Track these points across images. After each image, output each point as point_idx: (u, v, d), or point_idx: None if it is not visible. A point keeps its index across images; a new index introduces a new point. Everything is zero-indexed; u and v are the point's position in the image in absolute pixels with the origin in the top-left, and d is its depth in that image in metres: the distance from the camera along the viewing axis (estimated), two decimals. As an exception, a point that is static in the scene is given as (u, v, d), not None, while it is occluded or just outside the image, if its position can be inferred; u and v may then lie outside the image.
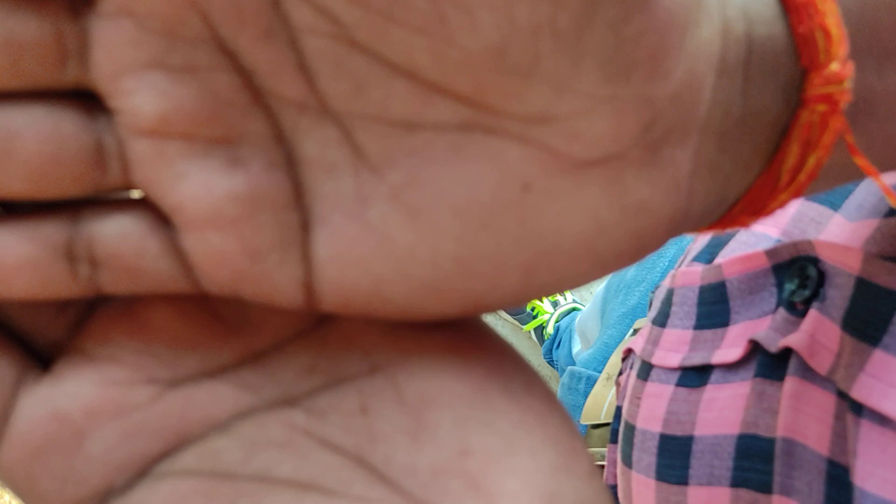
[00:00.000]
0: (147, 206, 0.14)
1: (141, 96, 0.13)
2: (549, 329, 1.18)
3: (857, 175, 0.19)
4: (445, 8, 0.12)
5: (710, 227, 0.18)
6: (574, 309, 1.19)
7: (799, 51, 0.16)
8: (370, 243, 0.14)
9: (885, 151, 0.18)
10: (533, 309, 1.21)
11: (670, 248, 0.56)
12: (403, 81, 0.13)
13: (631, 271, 0.59)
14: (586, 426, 0.48)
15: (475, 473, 0.14)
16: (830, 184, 0.19)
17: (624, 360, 0.38)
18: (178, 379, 0.15)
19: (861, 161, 0.17)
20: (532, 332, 1.23)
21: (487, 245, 0.14)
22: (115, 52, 0.13)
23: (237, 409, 0.15)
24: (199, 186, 0.13)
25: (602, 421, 0.44)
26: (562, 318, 1.18)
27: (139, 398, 0.14)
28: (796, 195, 0.17)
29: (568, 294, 1.22)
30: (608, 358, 0.51)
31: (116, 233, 0.14)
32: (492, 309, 0.15)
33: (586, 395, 0.51)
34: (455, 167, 0.14)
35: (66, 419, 0.14)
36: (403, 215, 0.14)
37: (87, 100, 0.13)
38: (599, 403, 0.45)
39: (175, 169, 0.13)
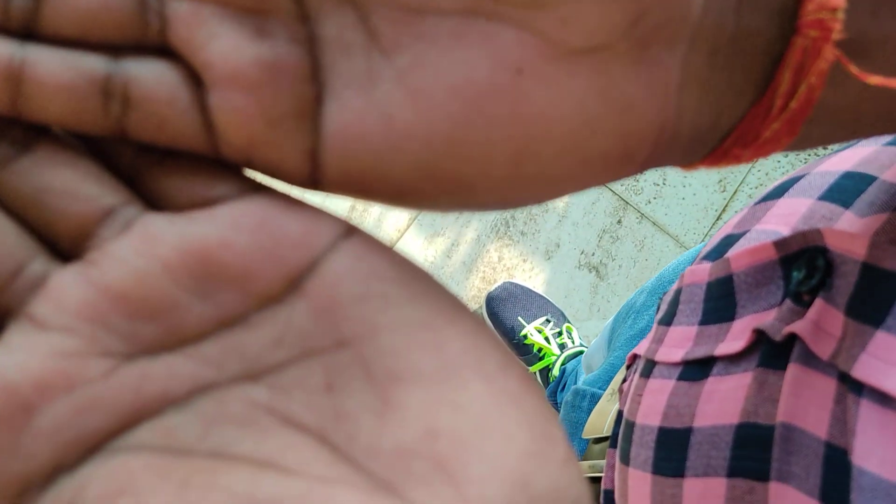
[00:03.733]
0: (181, 63, 0.15)
1: None
2: (555, 371, 1.17)
3: (853, 123, 0.19)
4: None
5: (702, 160, 0.19)
6: (580, 353, 1.18)
7: None
8: (374, 119, 0.15)
9: (877, 100, 0.18)
10: (540, 350, 1.20)
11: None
12: None
13: (641, 299, 0.59)
14: (587, 441, 0.48)
15: (442, 456, 0.13)
16: (827, 132, 0.19)
17: (629, 367, 0.38)
18: (134, 352, 0.14)
19: (876, 79, 0.17)
20: (538, 374, 1.22)
21: (479, 126, 0.15)
22: None
23: (196, 385, 0.14)
24: (228, 47, 0.14)
25: (604, 434, 0.44)
26: (568, 361, 1.17)
27: (92, 371, 0.14)
28: (790, 128, 0.18)
29: (575, 337, 1.21)
30: (614, 377, 0.51)
31: (153, 76, 0.15)
32: (481, 199, 0.16)
33: (589, 411, 0.51)
34: (456, 51, 0.14)
35: (14, 391, 0.13)
36: (406, 95, 0.15)
37: None
38: (603, 417, 0.44)
39: (209, 29, 0.14)
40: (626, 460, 0.32)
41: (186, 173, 0.15)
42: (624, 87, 0.15)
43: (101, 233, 0.15)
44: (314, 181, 0.15)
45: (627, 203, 1.32)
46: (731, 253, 0.30)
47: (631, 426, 0.32)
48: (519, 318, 1.23)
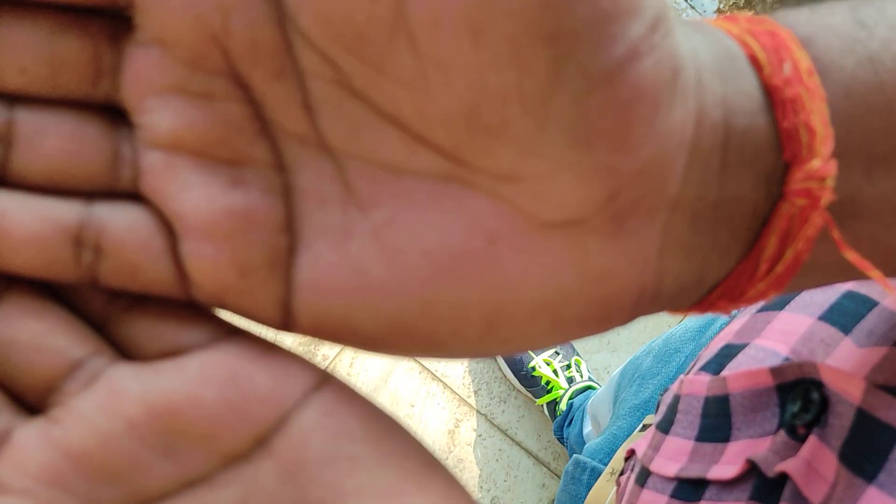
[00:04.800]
0: (153, 212, 0.15)
1: (160, 114, 0.14)
2: (562, 405, 1.16)
3: (845, 275, 0.18)
4: (427, 67, 0.13)
5: (688, 308, 0.19)
6: (589, 388, 1.18)
7: (782, 145, 0.16)
8: (346, 274, 0.15)
9: (871, 255, 0.17)
10: (548, 383, 1.20)
11: (688, 344, 0.56)
12: (393, 129, 0.14)
13: (647, 361, 0.59)
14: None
15: None
16: (817, 281, 0.19)
17: (627, 459, 0.38)
18: None
19: (852, 256, 0.17)
20: (545, 406, 1.21)
21: (452, 290, 0.15)
22: (143, 74, 0.14)
23: None
24: (200, 198, 0.14)
25: (601, 517, 0.43)
26: (575, 396, 1.16)
27: None
28: (777, 287, 0.17)
29: (584, 371, 1.20)
30: (615, 450, 0.51)
31: (126, 224, 0.15)
32: (454, 354, 0.16)
33: (589, 486, 0.50)
34: (431, 213, 0.14)
35: None
36: (380, 252, 0.15)
37: (113, 114, 0.15)
38: (601, 499, 0.44)
39: (181, 180, 0.14)
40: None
41: (157, 320, 0.15)
42: (600, 259, 0.15)
43: (66, 387, 0.15)
44: (286, 326, 0.15)
45: (640, 236, 1.32)
46: (728, 372, 0.30)
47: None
48: (527, 349, 1.22)
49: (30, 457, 0.14)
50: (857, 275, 0.19)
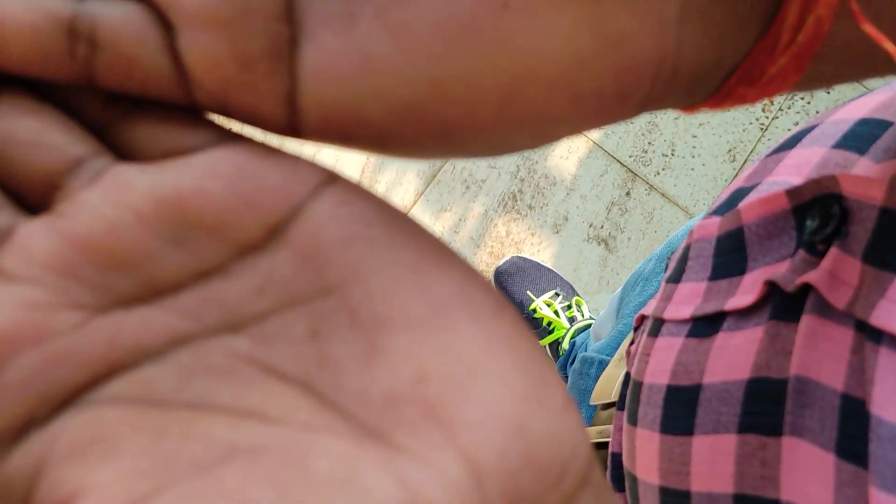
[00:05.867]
0: (148, 4, 0.14)
1: None
2: (565, 344, 1.16)
3: (865, 60, 0.18)
4: None
5: (705, 101, 0.18)
6: (591, 325, 1.18)
7: None
8: (353, 60, 0.14)
9: (892, 34, 0.17)
10: (549, 324, 1.20)
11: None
12: None
13: (649, 266, 0.58)
14: (595, 408, 0.47)
15: (432, 400, 0.13)
16: (837, 68, 0.18)
17: (636, 329, 0.37)
18: (107, 304, 0.14)
19: (869, 28, 0.16)
20: (547, 348, 1.21)
21: (464, 65, 0.14)
22: None
23: (174, 337, 0.14)
24: None
25: (612, 400, 0.43)
26: (578, 334, 1.16)
27: (62, 324, 0.13)
28: (797, 64, 0.17)
29: (585, 311, 1.20)
30: (622, 344, 0.50)
31: (120, 17, 0.14)
32: (469, 143, 0.15)
33: (597, 378, 0.50)
34: None
35: None
36: (386, 32, 0.14)
37: None
38: (611, 383, 0.44)
39: None
40: (633, 421, 0.31)
41: (159, 123, 0.15)
42: (617, 21, 0.14)
43: (70, 184, 0.14)
44: (293, 128, 0.15)
45: (636, 175, 1.31)
46: (741, 205, 0.29)
47: (638, 386, 0.31)
48: (528, 292, 1.22)
49: (35, 246, 0.13)
50: (877, 63, 0.19)
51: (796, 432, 0.23)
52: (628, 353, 0.38)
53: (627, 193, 1.30)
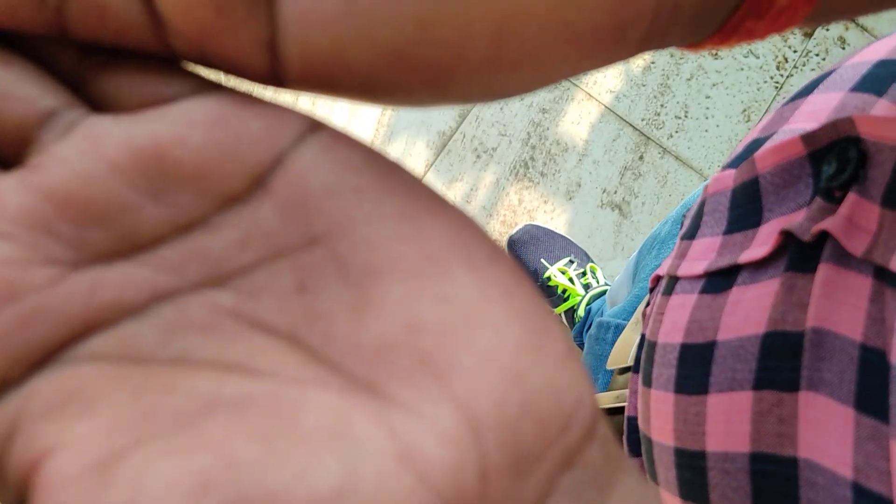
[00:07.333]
0: None
1: None
2: (580, 311, 1.16)
3: None
4: None
5: (710, 38, 0.17)
6: (606, 292, 1.17)
7: None
8: (336, 2, 0.13)
9: None
10: (564, 291, 1.19)
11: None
12: None
13: (665, 228, 0.57)
14: (612, 372, 0.46)
15: (427, 350, 0.13)
16: (855, 1, 0.17)
17: (652, 290, 0.37)
18: (84, 259, 0.13)
19: None
20: (563, 315, 1.21)
21: (452, 4, 0.13)
22: None
23: (155, 292, 0.13)
24: None
25: (629, 364, 0.42)
26: (593, 301, 1.16)
27: (37, 280, 0.13)
28: None
29: (600, 277, 1.19)
30: (638, 308, 0.49)
31: None
32: (460, 87, 0.14)
33: (613, 343, 0.49)
34: None
35: None
36: None
37: None
38: (627, 347, 0.43)
39: None
40: (648, 382, 0.30)
41: (134, 73, 0.14)
42: None
43: (43, 136, 0.14)
44: (275, 76, 0.14)
45: (649, 138, 1.29)
46: (756, 154, 0.28)
47: (653, 346, 0.30)
48: (542, 260, 1.21)
49: (7, 201, 0.13)
50: None
51: (813, 387, 0.23)
52: (644, 315, 0.37)
53: (640, 157, 1.29)
